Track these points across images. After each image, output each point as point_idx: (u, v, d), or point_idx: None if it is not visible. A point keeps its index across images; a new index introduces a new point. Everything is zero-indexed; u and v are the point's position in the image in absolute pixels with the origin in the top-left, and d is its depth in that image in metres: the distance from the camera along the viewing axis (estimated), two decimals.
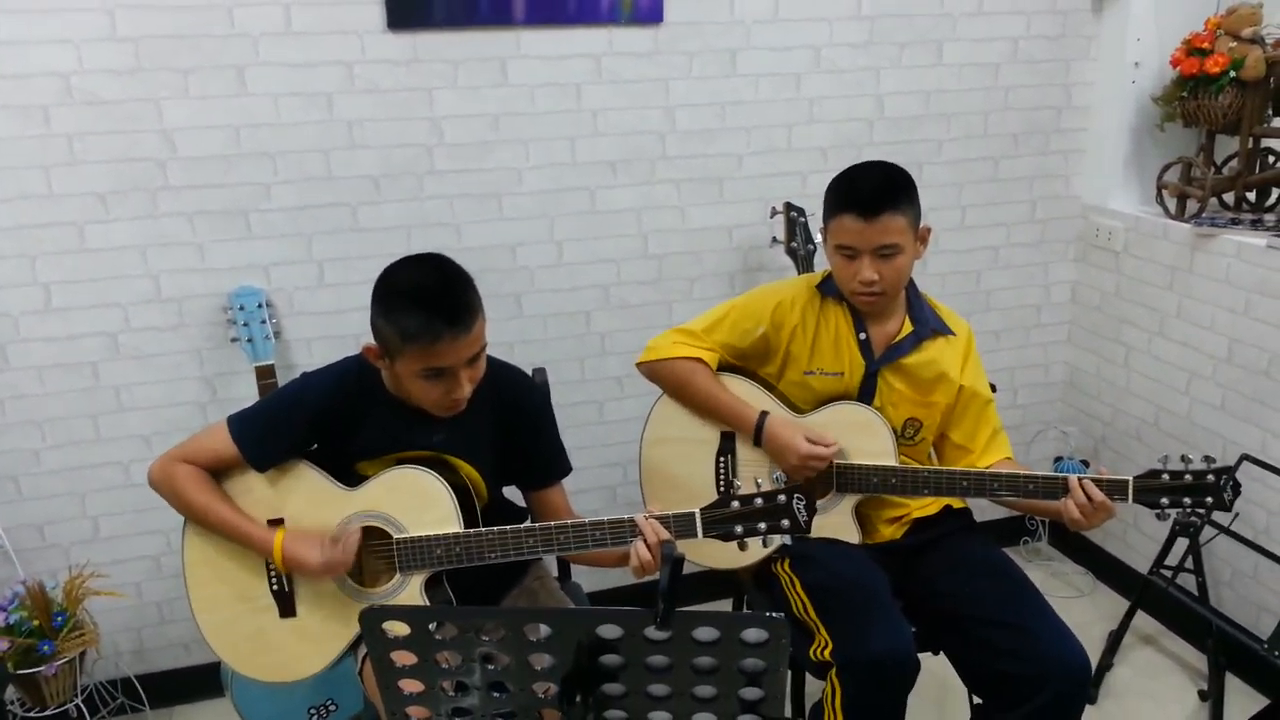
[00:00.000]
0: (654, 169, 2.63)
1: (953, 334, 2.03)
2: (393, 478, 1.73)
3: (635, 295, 2.71)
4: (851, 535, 1.98)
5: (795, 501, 1.60)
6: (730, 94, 2.63)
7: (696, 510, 1.64)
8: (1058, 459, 3.03)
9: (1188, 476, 1.76)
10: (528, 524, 1.70)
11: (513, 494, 1.95)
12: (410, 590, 1.71)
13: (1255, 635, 2.30)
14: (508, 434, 1.80)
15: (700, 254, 2.73)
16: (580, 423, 2.76)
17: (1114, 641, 2.69)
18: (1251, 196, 2.68)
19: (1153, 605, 2.80)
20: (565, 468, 1.90)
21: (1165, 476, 1.76)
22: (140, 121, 2.27)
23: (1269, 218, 2.61)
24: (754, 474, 1.99)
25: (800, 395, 2.03)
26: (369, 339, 1.67)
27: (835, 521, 1.98)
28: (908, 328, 2.00)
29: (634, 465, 2.83)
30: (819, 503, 1.99)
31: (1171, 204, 2.75)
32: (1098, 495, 1.76)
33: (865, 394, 2.01)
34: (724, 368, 2.06)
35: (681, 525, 1.64)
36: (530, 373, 1.94)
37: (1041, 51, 2.86)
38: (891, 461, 1.94)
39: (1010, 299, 3.07)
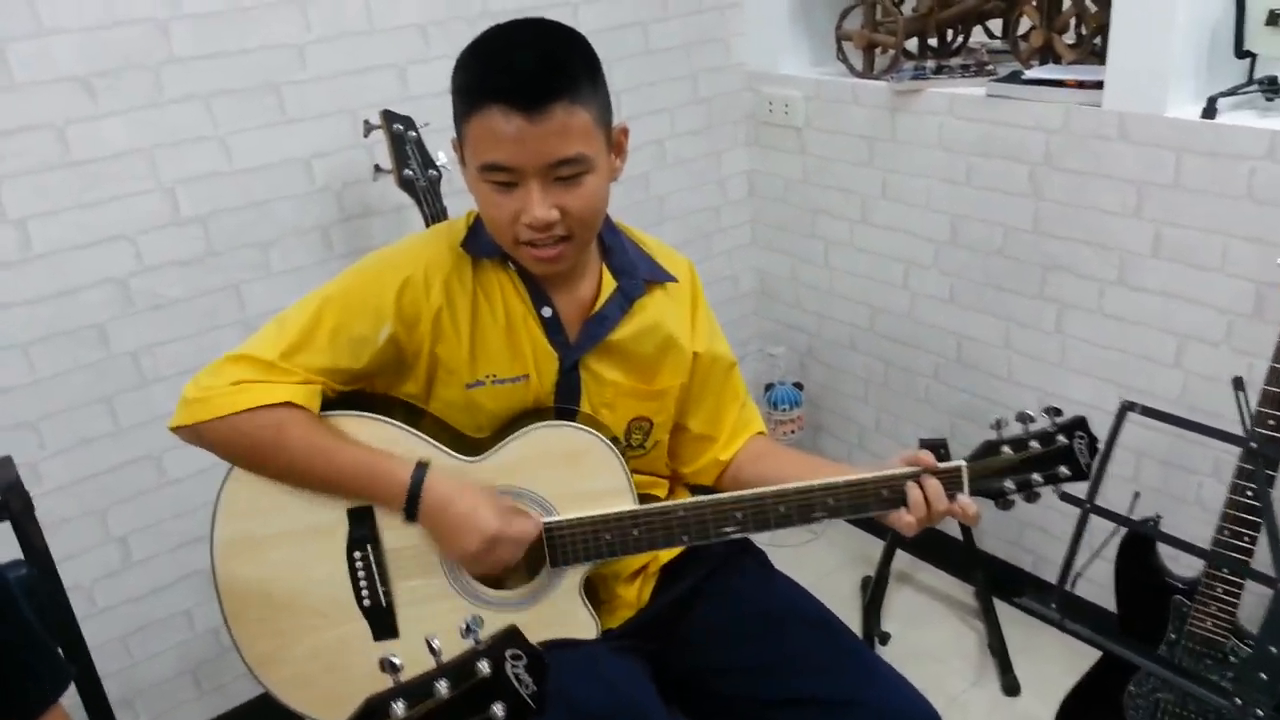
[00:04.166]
0: (160, 81, 1.65)
1: (673, 279, 1.35)
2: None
3: (176, 284, 1.75)
4: (585, 627, 1.26)
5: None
6: None
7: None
8: (768, 386, 2.52)
9: (1033, 445, 1.21)
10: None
11: None
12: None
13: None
14: None
15: (269, 204, 1.82)
16: (132, 493, 1.79)
17: (877, 592, 2.25)
18: (934, 42, 2.24)
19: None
20: (47, 683, 0.98)
21: (1005, 450, 1.21)
22: None
23: (967, 60, 2.17)
24: (420, 570, 1.22)
25: (468, 422, 1.27)
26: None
27: (559, 612, 1.26)
28: (609, 284, 1.29)
29: None
30: (527, 589, 1.26)
31: (857, 59, 2.24)
32: (940, 499, 1.19)
33: (565, 400, 1.28)
34: (329, 405, 1.23)
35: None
36: None
37: None
38: (628, 502, 1.24)
39: (686, 202, 2.47)
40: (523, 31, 1.15)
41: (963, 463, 1.19)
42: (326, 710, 1.24)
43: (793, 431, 2.47)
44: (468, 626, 0.89)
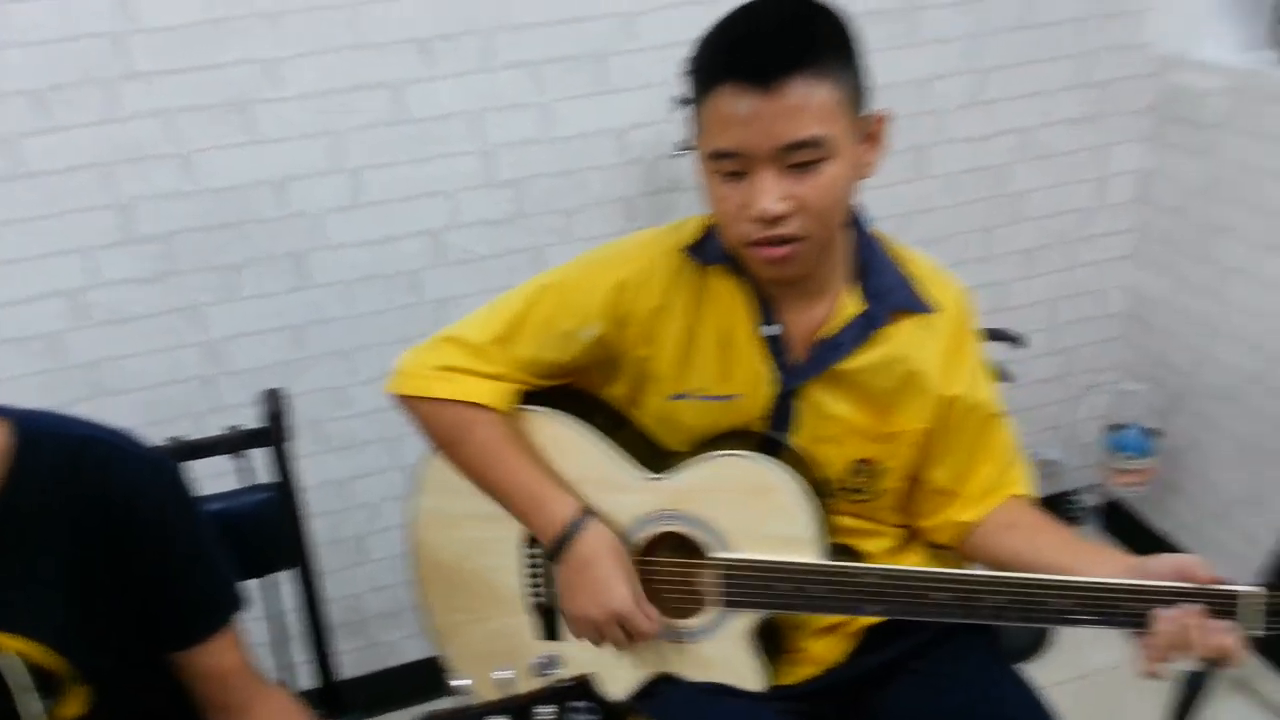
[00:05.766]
0: (492, 45, 1.73)
1: (928, 309, 1.16)
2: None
3: (486, 241, 1.85)
4: (751, 677, 1.16)
5: None
6: None
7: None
8: (1114, 427, 2.15)
9: None
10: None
11: None
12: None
13: None
14: (96, 565, 1.00)
15: (580, 173, 1.85)
16: None
17: (1192, 699, 1.85)
18: None
19: None
20: (225, 607, 1.09)
21: None
22: None
23: None
24: None
25: (670, 436, 1.20)
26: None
27: (724, 654, 1.16)
28: (849, 307, 1.14)
29: None
30: (692, 623, 1.17)
31: None
32: (1203, 639, 0.92)
33: (778, 428, 1.16)
34: (533, 397, 1.22)
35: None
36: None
37: None
38: (811, 554, 1.11)
39: (1050, 202, 2.15)
40: (766, 2, 1.02)
41: (1251, 588, 0.91)
42: (492, 693, 1.27)
43: (1135, 485, 2.10)
44: (544, 663, 0.85)
